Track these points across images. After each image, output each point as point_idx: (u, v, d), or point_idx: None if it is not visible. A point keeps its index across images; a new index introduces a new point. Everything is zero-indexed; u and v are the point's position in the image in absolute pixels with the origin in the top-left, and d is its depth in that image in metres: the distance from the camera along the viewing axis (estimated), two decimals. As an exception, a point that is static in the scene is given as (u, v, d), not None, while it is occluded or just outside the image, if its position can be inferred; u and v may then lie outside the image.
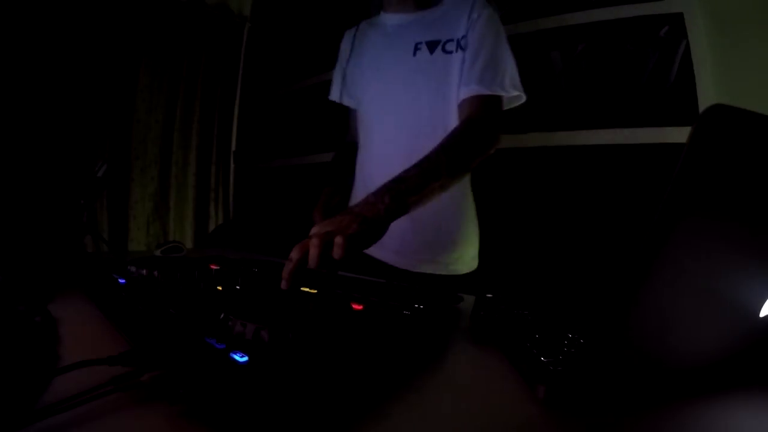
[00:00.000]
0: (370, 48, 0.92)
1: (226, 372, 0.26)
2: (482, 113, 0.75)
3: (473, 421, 0.26)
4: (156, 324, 0.36)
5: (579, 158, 1.20)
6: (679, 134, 1.05)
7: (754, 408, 0.30)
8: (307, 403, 0.24)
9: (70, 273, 0.65)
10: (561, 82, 1.23)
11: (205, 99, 2.17)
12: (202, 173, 2.19)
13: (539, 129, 1.26)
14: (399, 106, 0.86)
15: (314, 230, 0.53)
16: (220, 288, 0.51)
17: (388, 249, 0.89)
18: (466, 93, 0.77)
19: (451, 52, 0.80)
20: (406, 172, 0.63)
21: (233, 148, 2.39)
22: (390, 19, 0.90)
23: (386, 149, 0.88)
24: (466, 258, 0.89)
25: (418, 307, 0.45)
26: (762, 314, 0.29)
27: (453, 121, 0.79)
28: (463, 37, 0.79)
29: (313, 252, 0.49)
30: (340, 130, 1.78)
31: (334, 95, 1.02)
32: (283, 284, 0.49)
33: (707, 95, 1.02)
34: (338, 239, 0.50)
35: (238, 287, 0.52)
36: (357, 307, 0.44)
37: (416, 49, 0.83)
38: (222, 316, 0.36)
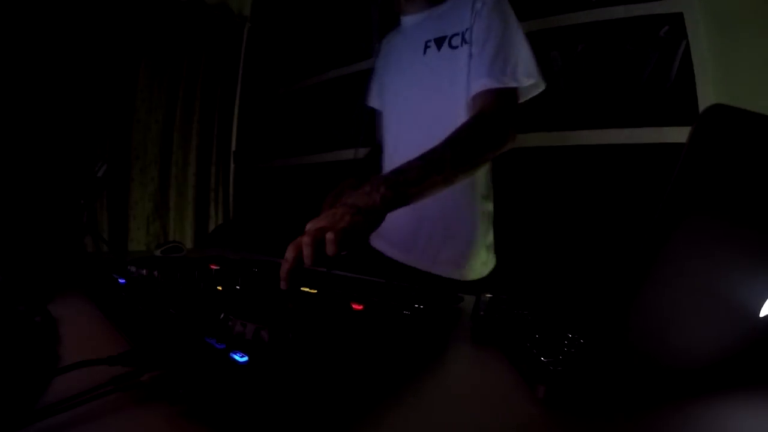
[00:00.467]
0: (390, 52, 0.94)
1: (226, 372, 0.26)
2: (495, 107, 0.71)
3: (473, 421, 0.26)
4: (156, 324, 0.36)
5: (579, 158, 1.20)
6: (679, 134, 1.05)
7: (754, 408, 0.30)
8: (307, 403, 0.24)
9: (70, 273, 0.65)
10: (561, 82, 1.23)
11: (205, 99, 2.17)
12: (202, 173, 2.19)
13: (539, 129, 1.26)
14: (413, 106, 0.86)
15: (308, 226, 0.53)
16: (220, 288, 0.51)
17: (387, 242, 0.89)
18: (476, 88, 0.73)
19: (456, 47, 0.77)
20: (409, 163, 0.62)
21: (233, 148, 2.39)
22: (406, 20, 0.90)
23: (402, 149, 0.87)
24: (476, 264, 0.87)
25: (418, 307, 0.45)
26: (762, 314, 0.29)
27: (464, 119, 0.76)
28: (468, 29, 0.76)
29: (306, 251, 0.49)
30: (342, 130, 1.79)
31: (369, 101, 1.04)
32: (282, 285, 0.49)
33: (707, 95, 1.02)
34: (329, 235, 0.49)
35: (238, 287, 0.52)
36: (357, 307, 0.44)
37: (426, 47, 0.82)
38: (222, 316, 0.36)
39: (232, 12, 2.26)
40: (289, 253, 0.49)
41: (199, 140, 2.16)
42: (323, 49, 1.94)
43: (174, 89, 2.04)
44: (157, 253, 0.92)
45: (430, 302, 0.48)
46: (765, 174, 0.23)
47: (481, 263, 0.88)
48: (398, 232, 0.86)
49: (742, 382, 0.32)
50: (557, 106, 1.23)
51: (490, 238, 0.90)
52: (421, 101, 0.84)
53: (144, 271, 0.55)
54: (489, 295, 0.53)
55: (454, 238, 0.85)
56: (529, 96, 0.78)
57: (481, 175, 0.85)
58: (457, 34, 0.78)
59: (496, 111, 0.71)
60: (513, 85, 0.72)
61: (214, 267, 0.64)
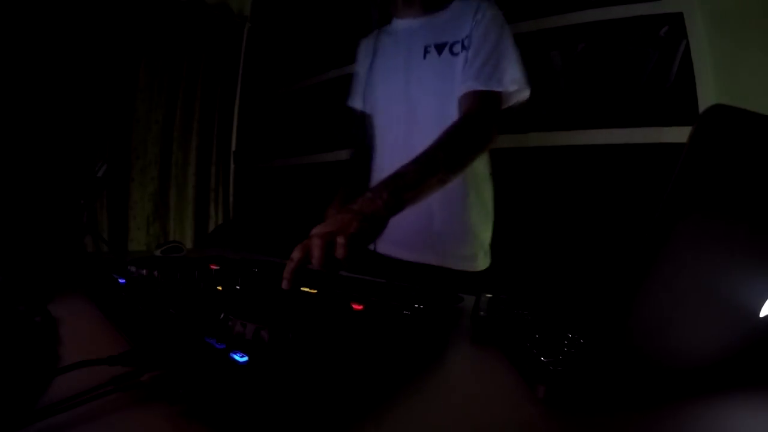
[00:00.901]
0: (382, 54, 0.94)
1: (226, 372, 0.26)
2: (479, 108, 0.75)
3: (473, 421, 0.26)
4: (156, 324, 0.36)
5: (579, 158, 1.20)
6: (679, 134, 1.05)
7: (754, 408, 0.30)
8: (307, 403, 0.24)
9: (70, 273, 0.65)
10: (561, 82, 1.23)
11: (205, 99, 2.17)
12: (202, 173, 2.19)
13: (539, 129, 1.26)
14: (411, 108, 0.86)
15: (315, 230, 0.53)
16: (220, 288, 0.51)
17: (392, 243, 0.89)
18: (463, 89, 0.77)
19: (457, 54, 0.81)
20: (404, 167, 0.63)
21: (233, 148, 2.39)
22: (400, 24, 0.91)
23: (400, 152, 0.87)
24: (471, 255, 0.89)
25: (418, 307, 0.45)
26: (762, 314, 0.29)
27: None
28: (467, 36, 0.80)
29: (316, 253, 0.50)
30: (345, 131, 1.79)
31: (352, 102, 1.04)
32: (284, 284, 0.49)
33: (707, 95, 1.02)
34: (340, 239, 0.50)
35: (238, 287, 0.52)
36: (357, 307, 0.44)
37: (426, 52, 0.84)
38: (222, 316, 0.36)
39: (232, 12, 2.26)
40: (296, 254, 0.50)
41: (199, 140, 2.16)
42: (323, 49, 1.94)
43: (174, 89, 2.04)
44: (157, 253, 0.92)
45: (430, 302, 0.48)
46: (765, 174, 0.23)
47: (485, 253, 0.91)
48: (405, 232, 0.86)
49: (742, 382, 0.32)
50: (557, 106, 1.23)
51: (487, 226, 0.93)
52: (421, 103, 0.85)
53: (144, 271, 0.55)
54: (489, 295, 0.53)
55: (460, 229, 0.87)
56: (513, 102, 0.81)
57: (480, 165, 0.88)
58: (457, 42, 0.81)
59: (480, 112, 0.75)
60: (498, 89, 0.76)
61: (214, 267, 0.64)
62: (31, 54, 1.54)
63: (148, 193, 1.98)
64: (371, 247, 0.90)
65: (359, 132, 1.03)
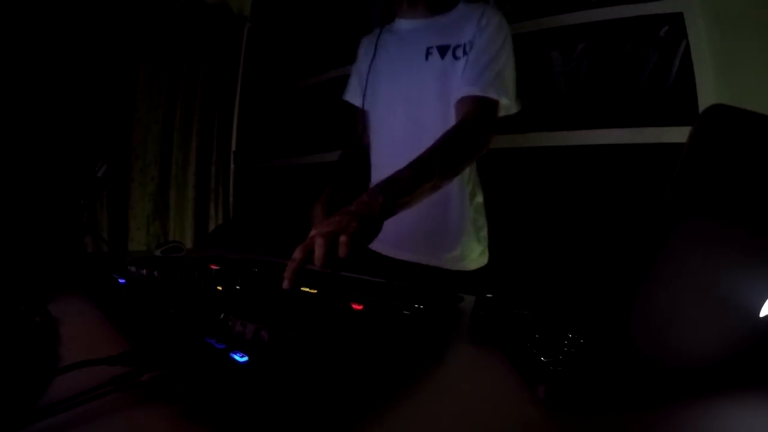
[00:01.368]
0: (384, 53, 0.94)
1: (226, 372, 0.26)
2: (476, 115, 0.75)
3: (473, 421, 0.26)
4: (156, 324, 0.36)
5: (579, 158, 1.20)
6: (679, 134, 1.05)
7: (754, 408, 0.30)
8: (307, 403, 0.24)
9: (70, 273, 0.65)
10: (561, 82, 1.23)
11: (205, 99, 2.17)
12: (202, 173, 2.19)
13: (539, 129, 1.26)
14: (411, 109, 0.87)
15: (315, 231, 0.53)
16: (220, 288, 0.51)
17: (387, 243, 0.89)
18: (461, 93, 0.78)
19: (459, 58, 0.81)
20: (399, 172, 0.64)
21: (233, 148, 2.39)
22: (404, 24, 0.91)
23: (397, 151, 0.88)
24: (468, 254, 0.89)
25: (418, 307, 0.45)
26: (762, 314, 0.29)
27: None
28: (470, 41, 0.80)
29: (319, 251, 0.50)
30: (342, 130, 1.79)
31: (347, 96, 1.04)
32: (285, 284, 0.49)
33: (707, 95, 1.02)
34: (343, 238, 0.51)
35: (238, 287, 0.52)
36: (357, 307, 0.44)
37: (428, 53, 0.84)
38: (222, 316, 0.36)
39: (232, 12, 2.26)
40: (298, 254, 0.51)
41: (199, 140, 2.16)
42: (323, 49, 1.94)
43: (174, 89, 2.04)
44: (157, 253, 0.92)
45: (430, 302, 0.48)
46: (765, 174, 0.23)
47: (479, 253, 0.91)
48: (399, 233, 0.87)
49: (742, 382, 0.32)
50: (557, 106, 1.23)
51: (484, 228, 0.93)
52: (421, 104, 0.85)
53: (144, 271, 0.55)
54: (489, 295, 0.53)
55: (450, 230, 0.87)
56: (500, 114, 0.81)
57: (467, 170, 0.88)
58: (459, 46, 0.81)
59: (478, 118, 0.75)
60: (494, 97, 0.77)
61: (214, 267, 0.64)
62: (31, 54, 1.54)
63: (148, 193, 1.98)
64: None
65: (354, 128, 1.03)
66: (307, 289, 0.51)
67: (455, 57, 0.81)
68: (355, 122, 1.02)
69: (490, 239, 0.95)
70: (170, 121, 2.04)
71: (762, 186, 0.24)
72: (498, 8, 0.84)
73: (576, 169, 1.21)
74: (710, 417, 0.28)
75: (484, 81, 0.76)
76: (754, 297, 0.28)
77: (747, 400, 0.31)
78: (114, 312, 0.40)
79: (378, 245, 0.93)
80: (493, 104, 0.78)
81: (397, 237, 0.87)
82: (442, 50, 0.83)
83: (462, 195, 0.88)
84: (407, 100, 0.87)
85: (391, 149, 0.91)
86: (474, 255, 0.90)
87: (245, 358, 0.28)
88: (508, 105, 0.80)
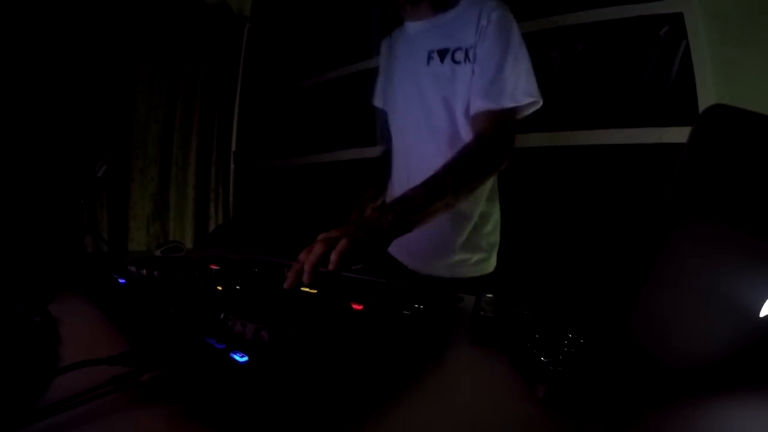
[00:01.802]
0: (394, 56, 0.94)
1: (226, 372, 0.26)
2: (493, 130, 0.74)
3: (473, 421, 0.26)
4: (156, 324, 0.36)
5: (579, 158, 1.20)
6: (679, 134, 1.05)
7: (754, 408, 0.30)
8: (307, 403, 0.24)
9: (70, 273, 0.65)
10: (561, 82, 1.23)
11: (205, 99, 2.17)
12: (202, 173, 2.19)
13: (539, 129, 1.26)
14: (416, 113, 0.86)
15: (321, 236, 0.55)
16: (220, 288, 0.51)
17: (402, 249, 0.90)
18: (475, 108, 0.76)
19: (459, 62, 0.79)
20: (413, 190, 0.64)
21: (233, 148, 2.39)
22: (410, 26, 0.90)
23: (408, 155, 0.90)
24: (474, 261, 0.88)
25: (418, 307, 0.45)
26: (762, 314, 0.29)
27: (462, 131, 0.79)
28: (472, 47, 0.77)
29: (317, 249, 0.51)
30: (342, 130, 1.79)
31: (375, 102, 1.05)
32: (286, 283, 0.50)
33: (707, 95, 1.02)
34: (342, 241, 0.52)
35: (238, 287, 0.52)
36: (357, 307, 0.44)
37: (429, 57, 0.83)
38: (222, 316, 0.36)
39: (232, 12, 2.26)
40: (302, 256, 0.52)
41: (199, 140, 2.16)
42: (323, 49, 1.94)
43: (174, 89, 2.04)
44: (157, 253, 0.92)
45: (430, 302, 0.48)
46: (765, 174, 0.23)
47: (478, 260, 0.89)
48: (413, 244, 0.86)
49: (742, 382, 0.32)
50: (557, 106, 1.23)
51: (489, 231, 0.91)
52: (424, 109, 0.85)
53: (144, 271, 0.55)
54: (489, 295, 0.53)
55: (449, 236, 0.86)
56: (528, 112, 0.79)
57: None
58: (460, 49, 0.79)
59: (495, 135, 0.73)
60: (511, 105, 0.74)
61: (214, 267, 0.64)
62: (31, 54, 1.54)
63: (148, 193, 1.98)
64: None
65: (385, 131, 1.03)
66: (307, 289, 0.51)
67: (455, 61, 0.80)
68: (383, 125, 1.02)
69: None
70: (170, 121, 2.04)
71: (762, 186, 0.24)
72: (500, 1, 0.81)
73: (576, 170, 1.21)
74: (710, 417, 0.28)
75: (496, 92, 0.73)
76: (754, 297, 0.28)
77: (747, 400, 0.31)
78: (114, 312, 0.40)
79: (402, 256, 0.93)
80: (509, 114, 0.75)
81: (417, 248, 0.87)
82: (442, 54, 0.81)
83: (471, 205, 0.86)
84: (414, 105, 0.86)
85: (404, 152, 0.91)
86: (471, 262, 0.88)
87: (245, 358, 0.28)
88: (532, 102, 0.76)
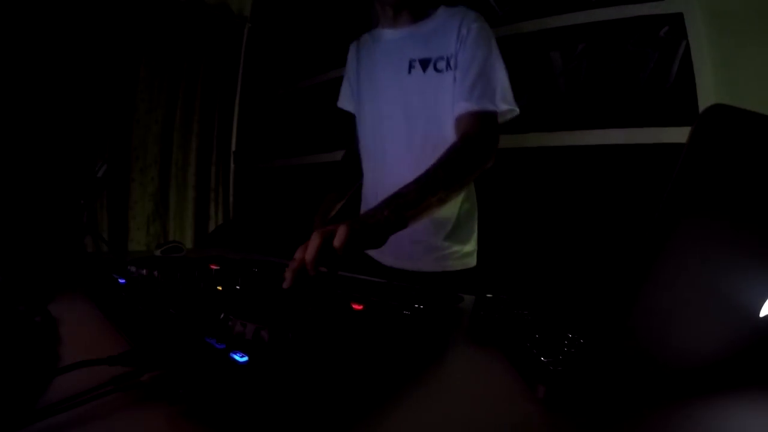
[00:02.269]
0: (369, 63, 0.93)
1: (226, 372, 0.26)
2: (478, 129, 0.75)
3: (473, 421, 0.26)
4: (156, 324, 0.36)
5: (579, 158, 1.20)
6: (679, 134, 1.05)
7: (754, 408, 0.30)
8: (307, 403, 0.24)
9: (70, 273, 0.65)
10: (561, 82, 1.23)
11: (205, 99, 2.17)
12: (202, 173, 2.19)
13: (539, 129, 1.26)
14: (395, 121, 0.86)
15: (316, 231, 0.54)
16: (220, 288, 0.51)
17: (386, 252, 0.89)
18: (459, 110, 0.77)
19: (441, 71, 0.81)
20: (406, 187, 0.64)
21: (233, 148, 2.39)
22: (387, 34, 0.89)
23: (388, 160, 0.89)
24: (462, 253, 0.89)
25: (418, 307, 0.45)
26: (762, 314, 0.29)
27: (447, 137, 0.79)
28: (453, 55, 0.79)
29: (314, 241, 0.51)
30: (341, 130, 1.79)
31: (341, 104, 1.04)
32: (285, 283, 0.50)
33: (707, 95, 1.02)
34: (341, 228, 0.51)
35: (238, 287, 0.52)
36: (357, 307, 0.44)
37: (411, 67, 0.84)
38: (222, 316, 0.36)
39: (232, 12, 2.26)
40: (299, 254, 0.51)
41: (199, 140, 2.16)
42: (323, 50, 1.94)
43: (174, 89, 2.04)
44: (157, 253, 0.92)
45: (430, 302, 0.48)
46: (765, 174, 0.23)
47: (466, 254, 0.90)
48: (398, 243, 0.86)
49: (742, 382, 0.32)
50: (557, 106, 1.23)
51: (474, 225, 0.92)
52: (405, 118, 0.85)
53: (144, 271, 0.55)
54: (489, 295, 0.53)
55: (439, 228, 0.87)
56: (504, 120, 0.81)
57: None
58: (441, 58, 0.81)
59: (479, 133, 0.75)
60: (491, 108, 0.76)
61: (214, 267, 0.64)
62: (32, 54, 1.54)
63: (148, 193, 1.98)
64: None
65: (352, 135, 1.03)
66: (306, 290, 0.51)
67: (437, 70, 0.81)
68: (353, 129, 1.01)
69: (491, 239, 0.95)
70: (170, 121, 2.04)
71: (762, 186, 0.24)
72: (477, 12, 0.82)
73: (576, 169, 1.21)
74: (710, 417, 0.28)
75: (477, 94, 0.76)
76: (754, 297, 0.28)
77: (747, 400, 0.31)
78: (114, 312, 0.40)
79: (375, 254, 0.93)
80: (492, 115, 0.77)
81: (397, 246, 0.87)
82: (424, 63, 0.82)
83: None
84: (392, 112, 0.86)
85: (380, 159, 0.91)
86: (462, 253, 0.89)
87: (245, 358, 0.28)
88: (509, 110, 0.79)
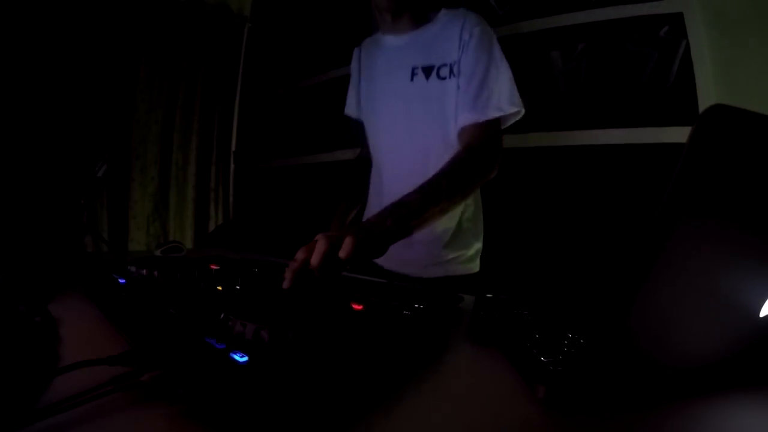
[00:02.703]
0: (373, 69, 0.92)
1: (226, 372, 0.26)
2: (481, 140, 0.75)
3: (473, 421, 0.26)
4: (156, 324, 0.36)
5: (579, 158, 1.20)
6: (679, 134, 1.05)
7: (754, 408, 0.30)
8: (307, 403, 0.24)
9: (70, 273, 0.65)
10: (561, 82, 1.23)
11: (205, 99, 2.17)
12: (202, 173, 2.19)
13: (539, 129, 1.26)
14: (399, 128, 0.86)
15: (320, 235, 0.54)
16: (220, 288, 0.51)
17: (388, 259, 0.90)
18: (463, 121, 0.77)
19: (445, 78, 0.80)
20: (408, 196, 0.64)
21: (233, 148, 2.39)
22: (388, 40, 0.89)
23: (391, 168, 0.90)
24: (464, 258, 0.89)
25: (418, 307, 0.45)
26: (762, 314, 0.29)
27: (451, 143, 0.79)
28: (456, 62, 0.78)
29: (320, 246, 0.51)
30: (341, 131, 1.79)
31: (348, 111, 1.03)
32: (285, 283, 0.50)
33: (707, 95, 1.02)
34: (347, 239, 0.52)
35: (238, 287, 0.52)
36: (357, 307, 0.44)
37: (413, 74, 0.83)
38: (222, 316, 0.36)
39: (232, 12, 2.26)
40: (300, 255, 0.52)
41: (199, 140, 2.16)
42: (323, 49, 1.94)
43: (174, 89, 2.04)
44: (157, 253, 0.92)
45: (430, 302, 0.48)
46: (765, 174, 0.23)
47: (468, 258, 0.90)
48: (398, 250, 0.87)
49: (742, 382, 0.32)
50: (557, 106, 1.23)
51: (478, 229, 0.92)
52: (409, 125, 0.85)
53: (144, 271, 0.55)
54: (489, 295, 0.53)
55: (441, 233, 0.86)
56: (512, 122, 0.81)
57: None
58: (445, 65, 0.80)
59: (483, 144, 0.75)
60: (496, 115, 0.76)
61: (214, 267, 0.64)
62: (32, 54, 1.54)
63: (148, 193, 1.98)
64: None
65: (361, 142, 1.02)
66: (307, 289, 0.51)
67: (440, 77, 0.80)
68: (362, 137, 1.00)
69: (491, 239, 0.95)
70: (170, 121, 2.04)
71: (762, 186, 0.24)
72: (478, 15, 0.81)
73: (576, 169, 1.21)
74: (710, 417, 0.28)
75: (482, 105, 0.75)
76: (754, 297, 0.28)
77: (747, 400, 0.31)
78: (114, 312, 0.40)
79: (392, 265, 0.93)
80: (495, 123, 0.77)
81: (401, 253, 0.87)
82: (427, 71, 0.81)
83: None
84: (397, 120, 0.86)
85: (386, 165, 0.91)
86: (465, 258, 0.89)
87: (245, 358, 0.28)
88: (516, 111, 0.78)
